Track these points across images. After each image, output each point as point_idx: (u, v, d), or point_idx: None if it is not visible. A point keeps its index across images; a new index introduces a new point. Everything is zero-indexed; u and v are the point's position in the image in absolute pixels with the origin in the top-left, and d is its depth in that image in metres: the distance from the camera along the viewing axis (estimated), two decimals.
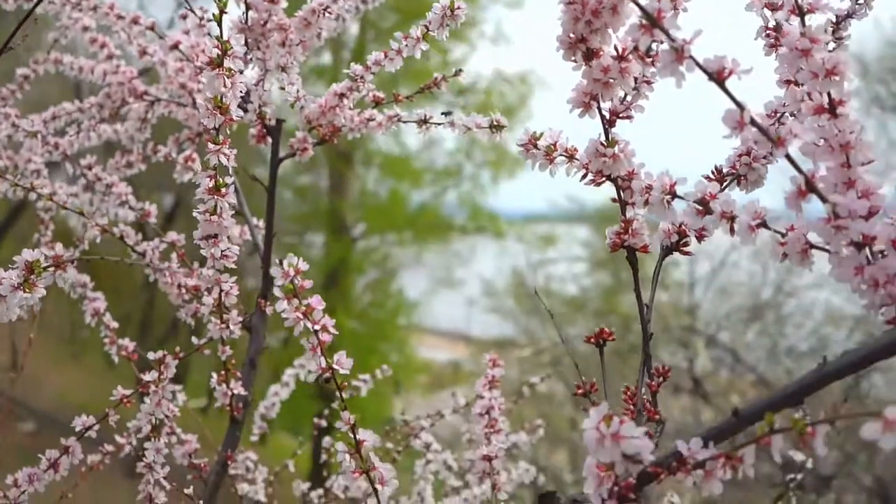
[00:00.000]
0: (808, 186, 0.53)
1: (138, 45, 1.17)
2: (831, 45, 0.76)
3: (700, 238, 0.71)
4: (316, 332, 0.64)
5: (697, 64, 0.52)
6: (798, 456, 1.26)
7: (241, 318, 0.94)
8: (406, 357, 11.10)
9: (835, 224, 0.52)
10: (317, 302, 0.65)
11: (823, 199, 0.53)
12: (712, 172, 0.72)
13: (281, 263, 0.64)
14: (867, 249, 0.53)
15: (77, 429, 0.94)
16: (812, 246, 0.57)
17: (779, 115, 0.73)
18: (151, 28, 1.13)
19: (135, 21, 1.13)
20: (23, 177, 1.32)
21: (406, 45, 0.91)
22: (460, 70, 1.03)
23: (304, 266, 0.64)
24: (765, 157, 0.71)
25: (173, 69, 1.17)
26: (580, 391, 0.66)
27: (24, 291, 0.70)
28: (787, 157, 0.53)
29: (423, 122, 0.97)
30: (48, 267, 0.68)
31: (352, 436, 0.67)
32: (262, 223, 1.16)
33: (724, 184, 0.71)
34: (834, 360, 0.51)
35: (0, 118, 1.17)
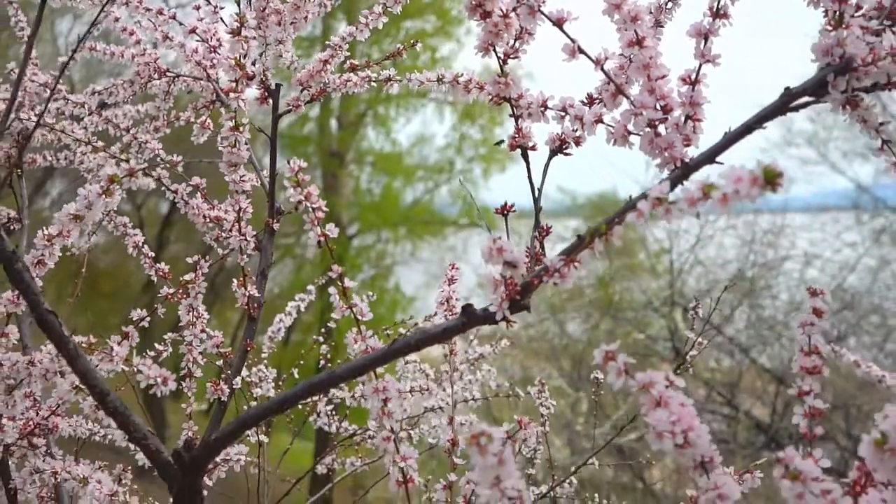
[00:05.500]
0: (618, 90, 0.84)
1: (161, 32, 1.47)
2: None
3: (577, 143, 1.01)
4: (314, 209, 0.95)
5: (545, 15, 0.82)
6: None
7: (255, 233, 1.24)
8: None
9: (633, 112, 0.82)
10: (314, 189, 0.95)
11: (628, 98, 0.83)
12: (586, 97, 1.02)
13: (288, 162, 0.94)
14: (657, 129, 0.83)
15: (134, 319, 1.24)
16: (629, 132, 0.87)
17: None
18: (173, 17, 1.43)
19: (160, 12, 1.43)
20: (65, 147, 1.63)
21: (371, 19, 1.22)
22: (416, 41, 1.33)
23: (303, 164, 0.94)
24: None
25: (190, 50, 1.47)
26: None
27: (106, 197, 1.00)
28: (602, 70, 0.83)
29: (388, 80, 1.27)
30: (125, 177, 0.98)
31: (340, 283, 0.98)
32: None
33: (593, 105, 1.01)
34: (632, 199, 0.81)
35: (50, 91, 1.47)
